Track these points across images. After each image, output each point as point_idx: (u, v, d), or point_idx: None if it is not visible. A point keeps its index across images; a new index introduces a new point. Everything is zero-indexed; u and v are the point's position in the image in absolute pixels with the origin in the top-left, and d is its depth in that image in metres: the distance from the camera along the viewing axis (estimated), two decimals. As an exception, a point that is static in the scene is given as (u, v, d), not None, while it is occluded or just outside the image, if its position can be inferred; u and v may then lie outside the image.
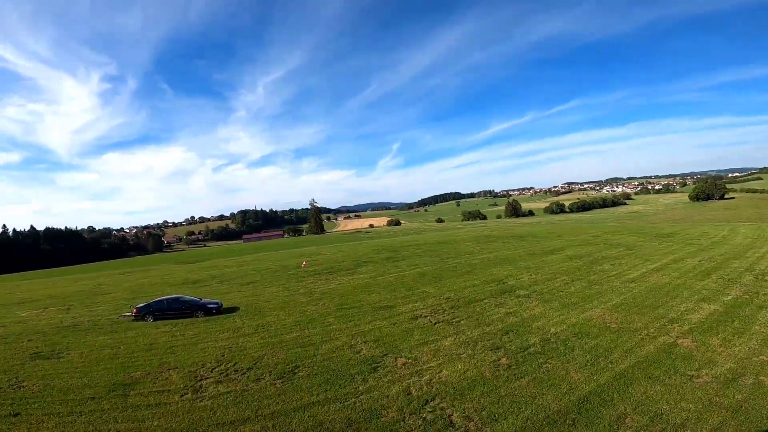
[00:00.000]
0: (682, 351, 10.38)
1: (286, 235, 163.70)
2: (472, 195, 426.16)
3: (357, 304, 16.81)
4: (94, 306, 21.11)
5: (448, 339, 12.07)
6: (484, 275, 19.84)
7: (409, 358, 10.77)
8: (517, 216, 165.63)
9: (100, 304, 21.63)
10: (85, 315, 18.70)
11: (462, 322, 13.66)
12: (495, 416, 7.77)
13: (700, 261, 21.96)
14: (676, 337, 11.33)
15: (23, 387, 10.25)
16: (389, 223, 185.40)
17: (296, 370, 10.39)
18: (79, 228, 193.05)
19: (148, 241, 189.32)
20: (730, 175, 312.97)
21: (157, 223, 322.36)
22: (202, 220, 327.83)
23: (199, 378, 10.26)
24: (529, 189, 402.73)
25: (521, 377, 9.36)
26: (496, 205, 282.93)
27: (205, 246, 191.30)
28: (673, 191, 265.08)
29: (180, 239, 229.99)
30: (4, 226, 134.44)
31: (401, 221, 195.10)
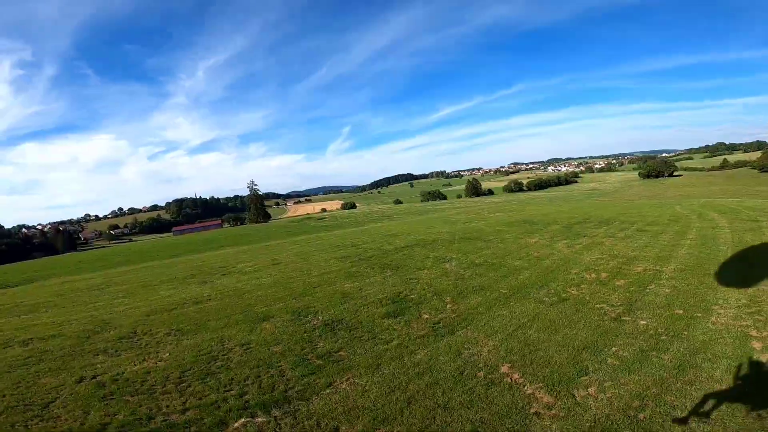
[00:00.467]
0: None
1: (225, 225, 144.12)
2: (424, 176, 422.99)
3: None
4: None
5: None
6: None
7: None
8: (477, 195, 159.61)
9: None
10: None
11: None
12: None
13: None
14: None
15: None
16: (343, 207, 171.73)
17: None
18: None
19: (58, 238, 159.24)
20: (661, 156, 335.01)
21: (77, 218, 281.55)
22: (132, 211, 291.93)
23: None
24: (479, 169, 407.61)
25: None
26: (450, 185, 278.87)
27: (130, 241, 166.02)
28: (615, 170, 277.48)
29: (100, 234, 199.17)
30: None
31: (357, 204, 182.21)
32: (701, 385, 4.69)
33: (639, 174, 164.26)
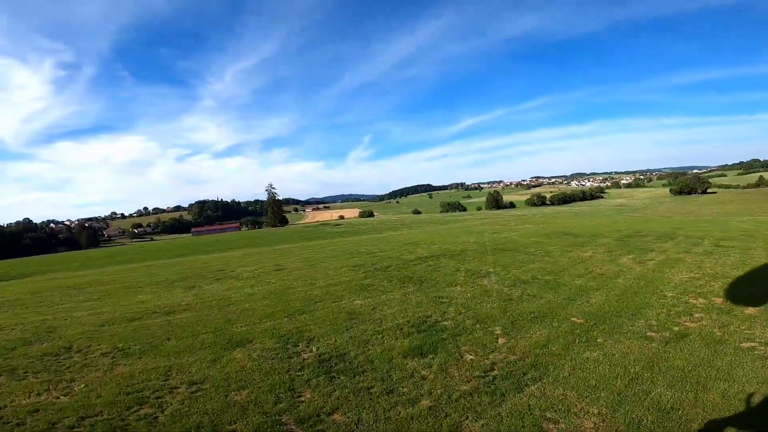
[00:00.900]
0: None
1: (243, 228, 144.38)
2: (443, 187, 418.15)
3: None
4: None
5: None
6: None
7: None
8: (498, 208, 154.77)
9: None
10: None
11: None
12: None
13: None
14: None
15: None
16: (361, 215, 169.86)
17: None
18: (21, 221, 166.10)
19: (82, 234, 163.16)
20: (692, 172, 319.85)
21: (104, 216, 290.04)
22: (156, 211, 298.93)
23: None
24: (499, 182, 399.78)
25: None
26: (470, 197, 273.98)
27: (151, 240, 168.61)
28: (644, 186, 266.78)
29: (123, 232, 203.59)
30: None
31: (375, 212, 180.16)
32: None
33: (670, 190, 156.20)
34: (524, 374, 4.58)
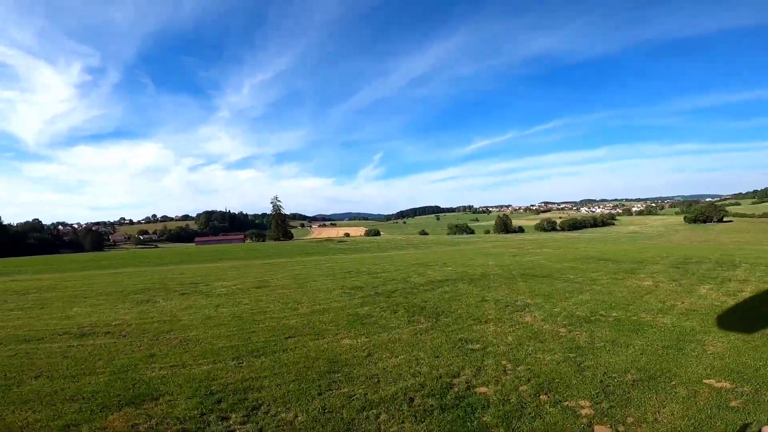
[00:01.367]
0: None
1: (247, 240, 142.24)
2: (451, 209, 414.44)
3: None
4: None
5: None
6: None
7: None
8: (507, 232, 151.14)
9: None
10: None
11: None
12: None
13: None
14: None
15: None
16: (367, 233, 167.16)
17: None
18: (29, 221, 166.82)
19: (87, 237, 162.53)
20: (706, 200, 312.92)
21: (112, 221, 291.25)
22: (164, 219, 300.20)
23: None
24: (508, 206, 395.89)
25: None
26: (477, 220, 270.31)
27: (155, 247, 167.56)
28: (656, 213, 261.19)
29: (129, 238, 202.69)
30: None
31: (381, 231, 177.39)
32: None
33: (685, 218, 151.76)
34: None
